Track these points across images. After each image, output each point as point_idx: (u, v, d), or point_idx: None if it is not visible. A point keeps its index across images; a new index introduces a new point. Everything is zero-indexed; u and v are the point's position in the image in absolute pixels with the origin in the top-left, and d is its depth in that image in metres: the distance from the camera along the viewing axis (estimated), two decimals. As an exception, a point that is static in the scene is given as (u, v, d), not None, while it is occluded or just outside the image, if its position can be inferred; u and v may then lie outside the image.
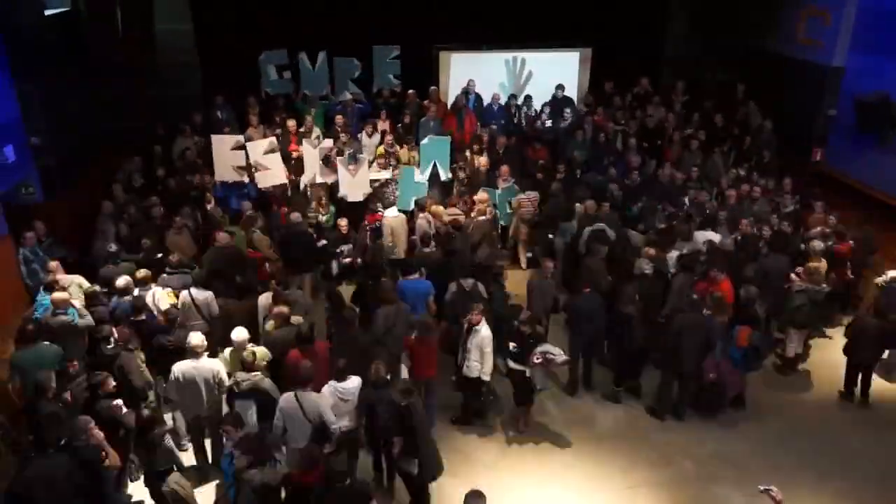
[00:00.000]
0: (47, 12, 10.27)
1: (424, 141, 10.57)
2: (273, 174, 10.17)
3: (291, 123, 10.77)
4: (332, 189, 10.48)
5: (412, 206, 10.07)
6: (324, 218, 10.08)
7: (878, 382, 8.41)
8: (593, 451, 7.26)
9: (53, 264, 7.93)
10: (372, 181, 10.35)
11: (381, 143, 10.91)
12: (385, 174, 10.43)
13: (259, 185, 10.23)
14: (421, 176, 10.28)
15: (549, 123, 12.15)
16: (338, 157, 10.24)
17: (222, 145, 10.03)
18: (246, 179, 10.24)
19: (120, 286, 7.45)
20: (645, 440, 7.43)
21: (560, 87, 12.50)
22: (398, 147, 10.92)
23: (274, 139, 10.26)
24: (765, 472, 6.94)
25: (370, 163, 10.49)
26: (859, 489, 6.77)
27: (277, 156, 10.14)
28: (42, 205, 9.55)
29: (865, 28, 10.97)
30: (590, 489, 6.77)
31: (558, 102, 12.40)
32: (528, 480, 6.87)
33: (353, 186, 10.19)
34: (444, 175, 10.57)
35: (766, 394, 8.21)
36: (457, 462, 7.06)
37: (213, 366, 6.46)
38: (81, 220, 9.56)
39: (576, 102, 12.82)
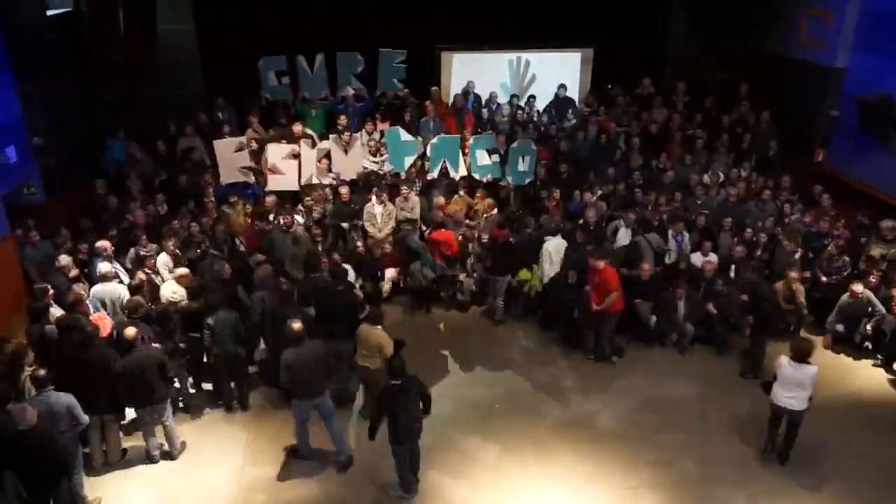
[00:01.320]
0: (49, 13, 10.30)
1: (434, 140, 10.58)
2: (286, 180, 10.19)
3: (297, 128, 10.76)
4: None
5: (406, 168, 10.23)
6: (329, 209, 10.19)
7: (879, 384, 8.42)
8: (594, 452, 7.25)
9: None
10: (367, 171, 10.48)
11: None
12: (376, 162, 10.51)
13: (269, 188, 10.23)
14: (407, 135, 10.34)
15: (545, 125, 12.15)
16: (330, 135, 10.30)
17: (225, 148, 10.03)
18: (251, 180, 10.26)
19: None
20: (645, 440, 7.42)
21: (562, 87, 12.49)
22: None
23: (296, 146, 10.24)
24: (765, 473, 6.96)
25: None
26: (859, 490, 6.75)
27: (295, 163, 10.13)
28: (43, 205, 9.59)
29: (867, 29, 10.95)
30: (591, 490, 6.76)
31: (561, 103, 12.39)
32: (528, 481, 6.86)
33: (346, 164, 10.24)
34: (454, 173, 10.61)
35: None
36: (457, 462, 7.07)
37: None
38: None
39: (577, 103, 12.82)
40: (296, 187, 10.30)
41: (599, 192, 10.61)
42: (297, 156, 10.15)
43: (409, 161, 10.38)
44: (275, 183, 10.21)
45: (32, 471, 5.82)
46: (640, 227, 9.67)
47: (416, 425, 6.38)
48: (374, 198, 9.98)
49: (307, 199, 10.18)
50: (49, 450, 5.82)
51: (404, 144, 10.28)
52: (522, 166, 10.56)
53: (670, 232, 9.68)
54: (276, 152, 10.11)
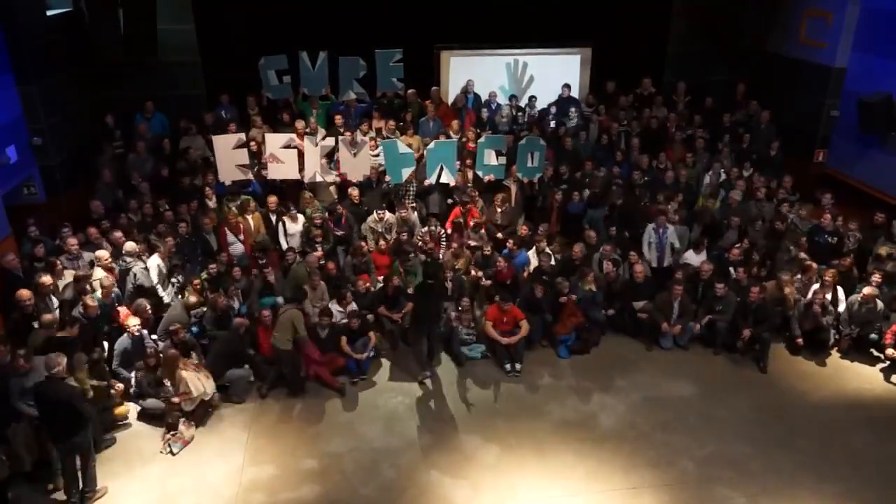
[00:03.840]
0: (49, 13, 10.29)
1: (430, 145, 10.56)
2: (286, 168, 10.20)
3: (300, 125, 10.77)
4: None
5: (404, 178, 10.25)
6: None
7: (879, 384, 8.43)
8: (595, 452, 7.25)
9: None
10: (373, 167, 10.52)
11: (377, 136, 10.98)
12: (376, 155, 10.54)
13: (269, 177, 10.29)
14: (405, 147, 10.33)
15: (552, 124, 12.14)
16: (339, 137, 10.32)
17: (224, 144, 10.01)
18: (250, 177, 10.25)
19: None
20: (646, 441, 7.42)
21: (566, 86, 12.45)
22: (398, 133, 11.10)
23: (294, 135, 10.30)
24: (765, 474, 6.96)
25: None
26: (860, 491, 6.75)
27: (294, 152, 10.17)
28: (43, 205, 9.59)
29: (868, 29, 10.96)
30: (591, 490, 6.76)
31: (564, 102, 12.36)
32: (529, 481, 6.86)
33: (354, 166, 10.25)
34: (449, 178, 10.58)
35: (768, 395, 8.22)
36: (458, 463, 7.07)
37: None
38: (82, 220, 9.56)
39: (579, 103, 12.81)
40: (296, 176, 10.29)
41: (596, 190, 10.67)
42: (292, 146, 10.16)
43: (406, 173, 10.27)
44: (275, 171, 10.24)
45: (56, 419, 6.15)
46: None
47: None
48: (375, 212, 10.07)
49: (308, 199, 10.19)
50: (69, 397, 6.14)
51: (402, 156, 10.17)
52: (531, 162, 10.55)
53: (653, 226, 9.74)
54: (273, 142, 10.11)
